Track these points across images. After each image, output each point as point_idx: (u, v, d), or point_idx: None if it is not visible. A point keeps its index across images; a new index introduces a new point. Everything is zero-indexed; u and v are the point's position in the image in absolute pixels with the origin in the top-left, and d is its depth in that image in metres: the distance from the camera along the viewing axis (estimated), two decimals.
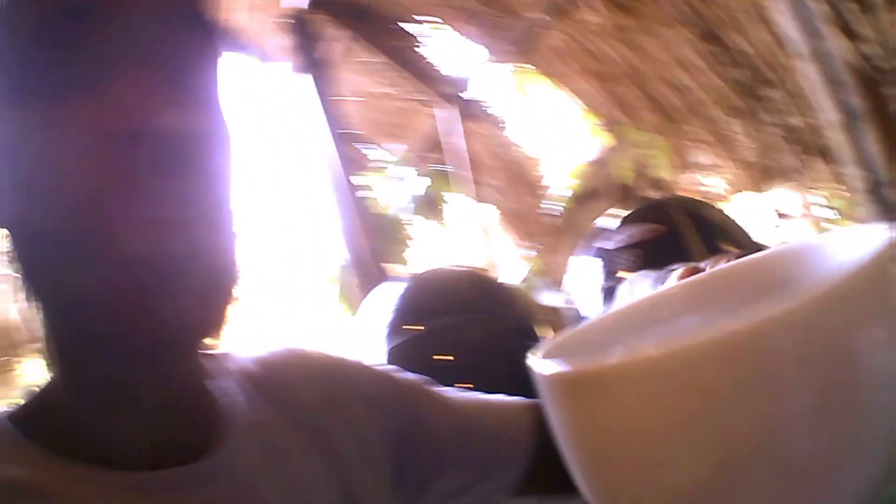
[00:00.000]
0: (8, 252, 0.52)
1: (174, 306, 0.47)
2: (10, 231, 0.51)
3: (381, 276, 3.83)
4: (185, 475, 0.55)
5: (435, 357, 0.98)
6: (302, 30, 3.88)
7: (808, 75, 2.29)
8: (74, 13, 0.47)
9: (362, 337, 1.26)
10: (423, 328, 1.18)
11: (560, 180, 4.84)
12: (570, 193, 4.73)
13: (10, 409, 0.56)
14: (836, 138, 2.25)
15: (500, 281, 1.43)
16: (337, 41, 4.36)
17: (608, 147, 4.31)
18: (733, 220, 1.28)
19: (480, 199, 4.76)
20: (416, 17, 4.21)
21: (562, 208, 4.73)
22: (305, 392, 0.70)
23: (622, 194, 4.35)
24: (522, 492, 0.81)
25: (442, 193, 4.85)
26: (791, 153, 3.18)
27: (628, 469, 0.43)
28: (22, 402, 0.57)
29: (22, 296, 0.52)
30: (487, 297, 1.22)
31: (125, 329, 0.47)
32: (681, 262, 0.94)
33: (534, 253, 4.94)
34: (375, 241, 4.05)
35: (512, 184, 4.86)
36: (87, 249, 0.46)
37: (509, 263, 5.07)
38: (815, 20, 2.23)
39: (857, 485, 0.39)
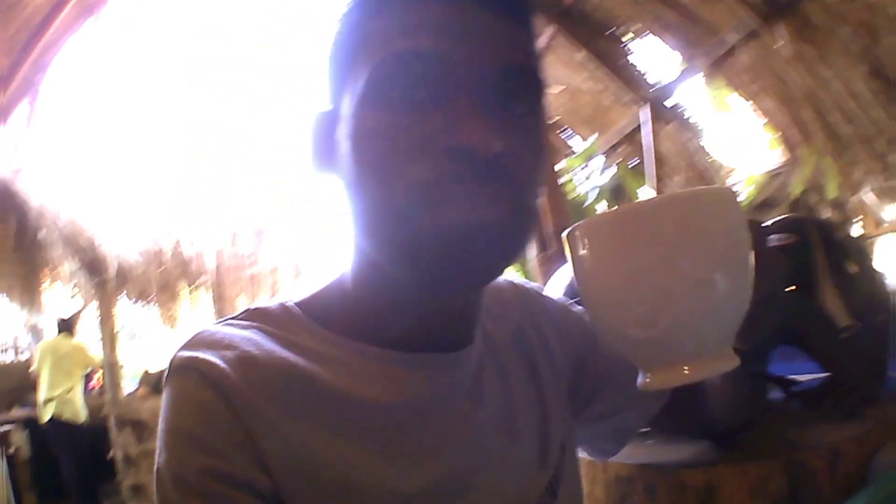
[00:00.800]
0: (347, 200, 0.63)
1: (477, 266, 0.58)
2: (344, 180, 0.63)
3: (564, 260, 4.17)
4: (436, 359, 0.66)
5: None
6: None
7: None
8: (430, 60, 0.57)
9: None
10: None
11: (739, 187, 4.92)
12: (744, 201, 4.83)
13: (298, 299, 0.69)
14: None
15: None
16: (541, 34, 4.71)
17: (784, 162, 4.39)
18: (860, 244, 1.34)
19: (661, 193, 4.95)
20: (618, 21, 4.45)
21: None
22: (517, 314, 0.81)
23: (793, 208, 4.43)
24: (652, 426, 0.91)
25: (628, 186, 5.04)
26: None
27: (608, 297, 0.55)
28: (307, 294, 0.70)
29: (352, 232, 0.64)
30: None
31: (444, 271, 0.58)
32: (805, 274, 1.08)
33: None
34: (564, 225, 4.34)
35: (694, 185, 4.97)
36: (413, 213, 0.56)
37: None
38: None
39: (739, 307, 0.55)
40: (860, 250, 1.25)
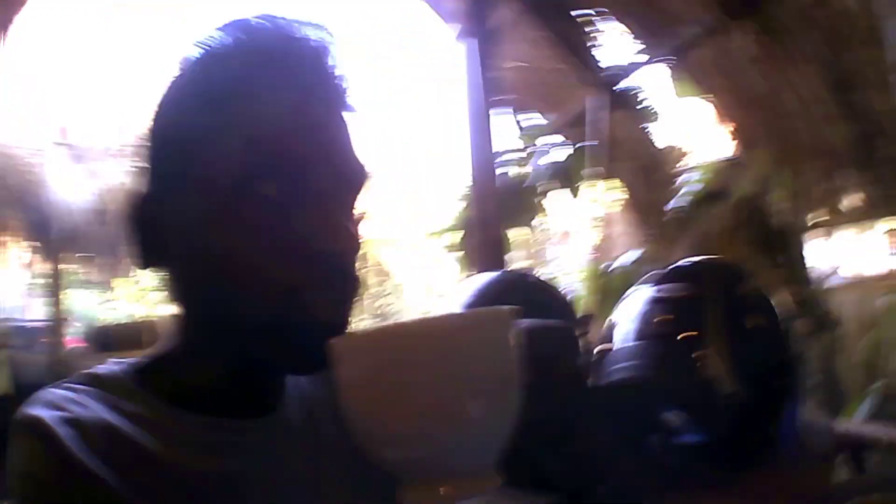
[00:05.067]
0: (169, 275, 0.68)
1: (310, 357, 0.60)
2: (177, 267, 0.67)
3: (499, 242, 4.15)
4: (248, 424, 0.68)
5: None
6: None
7: None
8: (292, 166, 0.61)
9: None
10: None
11: (688, 179, 4.90)
12: (694, 191, 4.81)
13: (130, 364, 0.72)
14: None
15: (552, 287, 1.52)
16: (506, 10, 4.58)
17: (736, 158, 4.35)
18: (766, 298, 1.26)
19: (612, 181, 4.93)
20: (583, 2, 4.40)
21: (684, 205, 4.82)
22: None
23: (740, 206, 4.40)
24: None
25: (578, 167, 5.02)
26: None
27: (368, 413, 0.55)
28: (139, 360, 0.72)
29: (173, 301, 0.68)
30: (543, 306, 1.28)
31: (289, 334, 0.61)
32: (696, 328, 1.07)
33: (647, 241, 5.09)
34: (504, 205, 4.34)
35: (644, 173, 4.98)
36: (280, 313, 0.61)
37: (623, 247, 5.25)
38: None
39: (499, 431, 0.55)
40: (766, 305, 1.21)
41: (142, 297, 9.31)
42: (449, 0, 5.23)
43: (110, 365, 0.72)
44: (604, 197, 4.80)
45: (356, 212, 0.67)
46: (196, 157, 0.63)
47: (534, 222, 5.17)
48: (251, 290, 0.62)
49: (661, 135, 4.86)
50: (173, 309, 0.70)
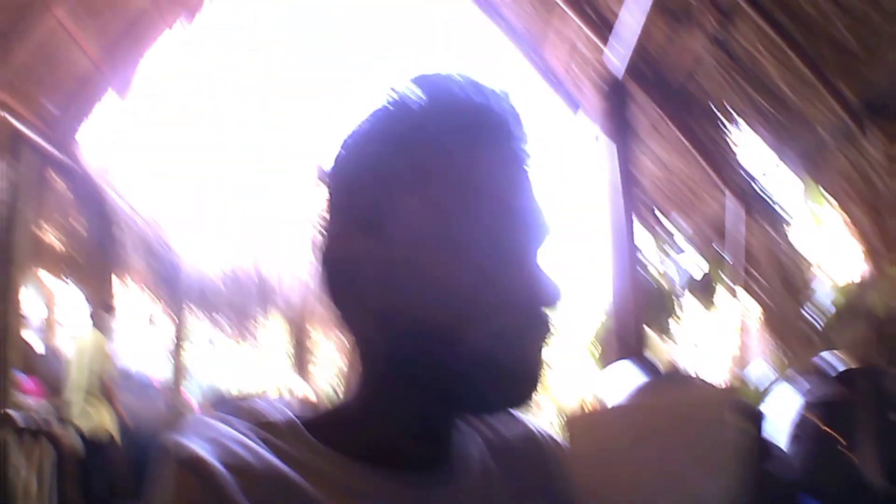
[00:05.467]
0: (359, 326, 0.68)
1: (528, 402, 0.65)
2: (369, 317, 0.66)
3: (640, 343, 4.05)
4: (427, 479, 0.67)
5: None
6: (616, 96, 4.19)
7: None
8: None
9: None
10: None
11: (827, 294, 4.74)
12: (832, 309, 4.64)
13: (302, 413, 0.71)
14: None
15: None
16: (645, 112, 4.69)
17: (871, 274, 4.18)
18: None
19: (748, 293, 4.83)
20: (724, 109, 4.39)
21: (821, 321, 4.65)
22: (525, 459, 0.79)
23: (870, 321, 4.21)
24: None
25: (715, 279, 4.96)
26: None
27: (604, 486, 0.62)
28: (310, 414, 0.72)
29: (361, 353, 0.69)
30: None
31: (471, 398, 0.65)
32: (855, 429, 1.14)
33: (783, 356, 4.91)
34: (644, 308, 4.25)
35: (780, 285, 4.86)
36: (501, 356, 0.62)
37: (758, 361, 5.08)
38: None
39: (721, 496, 0.59)
40: None
41: (263, 363, 9.56)
42: (587, 98, 5.39)
43: (273, 404, 0.71)
44: (737, 308, 4.68)
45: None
46: (398, 209, 0.64)
47: (671, 329, 5.06)
48: (453, 340, 0.62)
49: (796, 245, 4.74)
50: (356, 364, 0.71)
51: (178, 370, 6.64)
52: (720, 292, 5.01)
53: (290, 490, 0.61)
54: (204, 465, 0.59)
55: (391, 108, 0.67)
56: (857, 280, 4.64)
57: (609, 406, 0.65)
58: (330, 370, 10.08)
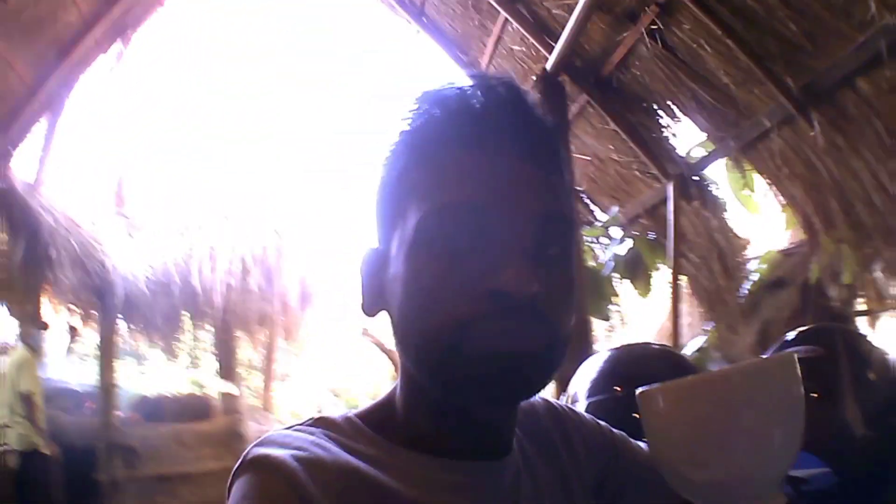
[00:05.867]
0: (393, 325, 0.73)
1: (511, 392, 0.68)
2: (394, 315, 0.72)
3: (583, 328, 4.22)
4: (480, 467, 0.73)
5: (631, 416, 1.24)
6: (548, 89, 4.28)
7: None
8: (476, 209, 0.66)
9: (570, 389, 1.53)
10: (619, 390, 1.38)
11: (753, 267, 5.00)
12: (758, 279, 4.91)
13: (357, 411, 0.77)
14: None
15: (687, 359, 1.69)
16: (573, 102, 4.84)
17: (799, 243, 4.44)
18: (883, 353, 1.38)
19: (683, 275, 5.05)
20: (653, 96, 4.59)
21: (747, 291, 4.92)
22: (550, 429, 0.88)
23: (804, 289, 4.49)
24: None
25: (645, 259, 5.13)
26: None
27: (687, 455, 0.65)
28: (366, 406, 0.79)
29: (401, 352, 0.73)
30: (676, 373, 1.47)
31: (479, 393, 0.66)
32: (831, 384, 1.17)
33: (711, 327, 5.18)
34: (584, 295, 4.38)
35: (710, 261, 5.10)
36: (457, 346, 0.65)
37: (690, 333, 5.35)
38: None
39: (792, 456, 0.65)
40: (882, 359, 1.34)
41: (187, 372, 9.34)
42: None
43: (333, 410, 0.82)
44: (670, 286, 4.88)
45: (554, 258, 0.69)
46: (405, 210, 0.70)
47: (609, 311, 5.20)
48: (438, 330, 0.66)
49: (727, 225, 4.97)
50: (397, 356, 0.77)
51: (108, 382, 6.45)
52: (656, 276, 5.20)
53: (356, 476, 0.67)
54: (282, 464, 0.63)
55: (407, 129, 0.73)
56: (782, 250, 4.93)
57: (681, 380, 0.66)
58: (256, 373, 9.99)
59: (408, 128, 0.72)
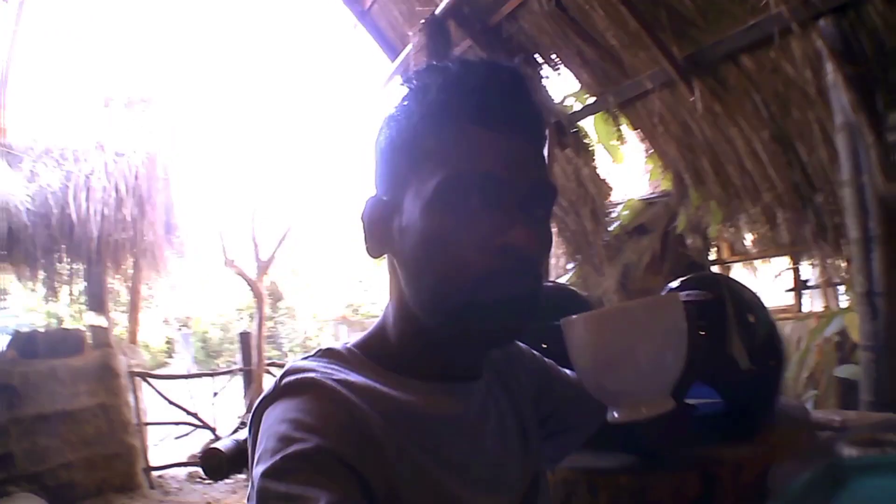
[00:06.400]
0: (398, 267, 0.83)
1: (503, 330, 0.80)
2: (397, 258, 0.83)
3: None
4: (461, 387, 0.87)
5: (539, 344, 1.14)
6: (433, 31, 4.35)
7: (846, 196, 2.89)
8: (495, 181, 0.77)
9: None
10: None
11: (618, 213, 5.30)
12: (621, 224, 5.22)
13: (353, 342, 0.88)
14: (853, 250, 2.82)
15: (578, 292, 1.83)
16: (457, 46, 4.87)
17: (661, 192, 4.71)
18: (759, 299, 1.55)
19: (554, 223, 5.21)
20: (542, 50, 4.72)
21: (609, 234, 5.23)
22: (504, 363, 1.00)
23: (663, 235, 4.80)
24: (589, 442, 1.13)
25: None
26: (819, 245, 3.63)
27: (606, 372, 0.83)
28: (358, 338, 0.89)
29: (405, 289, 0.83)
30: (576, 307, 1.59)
31: (475, 328, 0.78)
32: (719, 325, 1.32)
33: (573, 266, 5.50)
34: None
35: (577, 206, 5.37)
36: (468, 293, 0.76)
37: (555, 272, 5.68)
38: (863, 157, 2.79)
39: (678, 368, 0.83)
40: (759, 304, 1.52)
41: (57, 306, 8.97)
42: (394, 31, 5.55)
43: (338, 343, 0.88)
44: None
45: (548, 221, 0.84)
46: (421, 170, 0.78)
47: None
48: (454, 277, 0.76)
49: (596, 172, 5.21)
50: (388, 294, 0.87)
51: None
52: None
53: (378, 393, 0.78)
54: (324, 385, 0.75)
55: (419, 91, 0.82)
56: (643, 199, 5.21)
57: (597, 311, 0.85)
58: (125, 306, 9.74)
59: (422, 97, 0.80)
